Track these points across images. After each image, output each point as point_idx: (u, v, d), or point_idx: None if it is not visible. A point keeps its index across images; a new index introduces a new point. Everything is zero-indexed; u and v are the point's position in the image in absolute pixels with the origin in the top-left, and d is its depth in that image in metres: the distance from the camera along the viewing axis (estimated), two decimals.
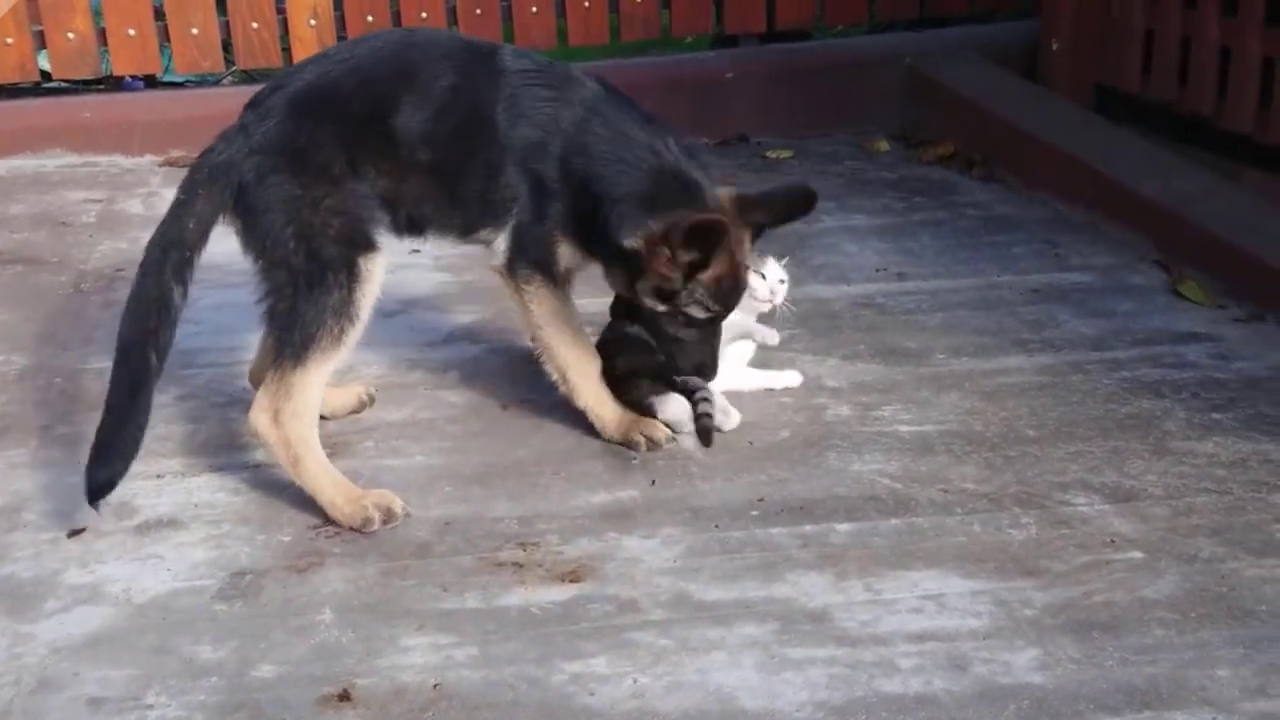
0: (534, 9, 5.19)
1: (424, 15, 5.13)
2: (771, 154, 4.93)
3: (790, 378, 3.08)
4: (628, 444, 2.81)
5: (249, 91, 5.52)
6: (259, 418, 2.55)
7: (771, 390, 3.07)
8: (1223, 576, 2.36)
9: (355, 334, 2.55)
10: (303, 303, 2.49)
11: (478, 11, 5.16)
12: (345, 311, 2.50)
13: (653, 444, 2.80)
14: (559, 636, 2.23)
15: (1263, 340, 3.31)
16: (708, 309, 2.67)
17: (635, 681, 2.11)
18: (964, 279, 3.73)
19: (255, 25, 5.05)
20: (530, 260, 2.72)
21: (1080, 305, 3.54)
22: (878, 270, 3.81)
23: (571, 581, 2.37)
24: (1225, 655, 2.15)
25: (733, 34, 5.46)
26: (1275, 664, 2.13)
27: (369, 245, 2.56)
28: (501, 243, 2.73)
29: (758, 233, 2.78)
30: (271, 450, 2.57)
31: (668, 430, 2.82)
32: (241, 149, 2.59)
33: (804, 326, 3.39)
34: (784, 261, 3.00)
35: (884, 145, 5.02)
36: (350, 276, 2.50)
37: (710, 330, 2.72)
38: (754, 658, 2.17)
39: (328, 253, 2.50)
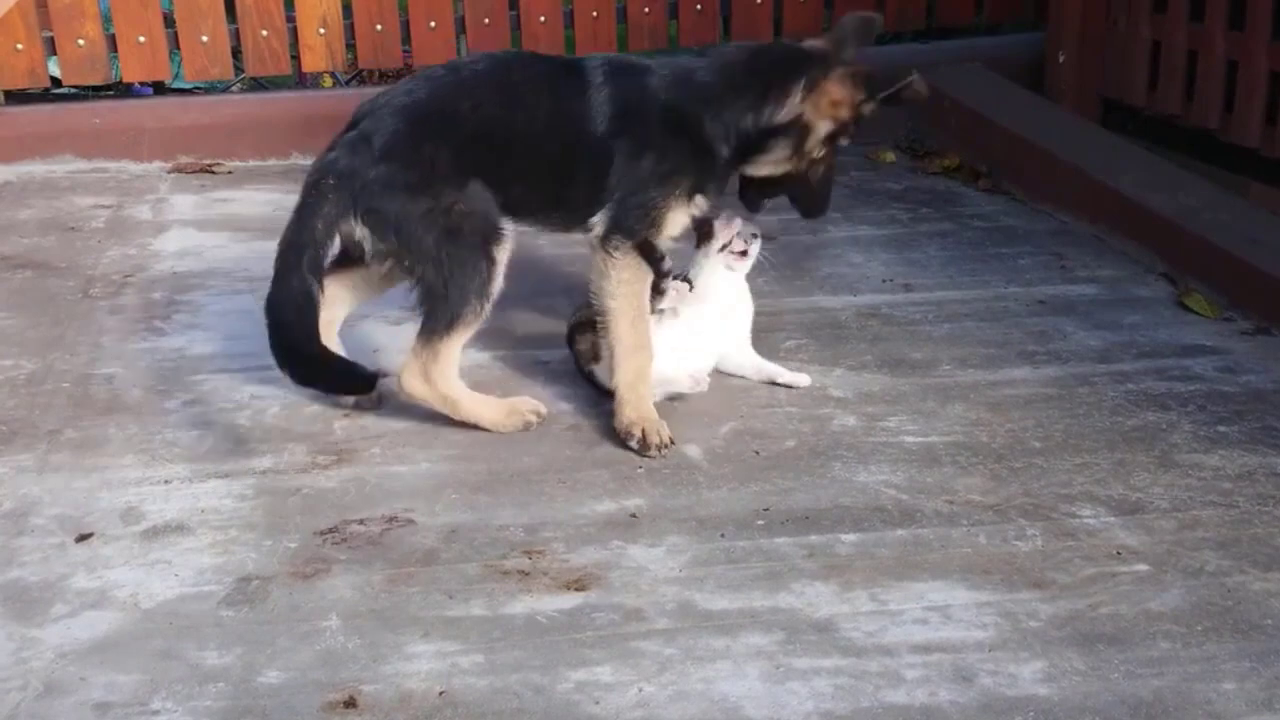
0: (542, 18, 5.21)
1: (432, 24, 5.16)
2: None
3: (800, 378, 3.12)
4: (628, 435, 2.86)
5: (258, 99, 5.53)
6: (412, 381, 2.91)
7: (775, 383, 3.12)
8: (1229, 590, 2.36)
9: (490, 306, 2.91)
10: (452, 289, 2.84)
11: (486, 21, 5.18)
12: (485, 291, 2.87)
13: (645, 445, 2.84)
14: (564, 644, 2.23)
15: (1269, 353, 3.31)
16: (852, 134, 3.03)
17: (640, 690, 2.12)
18: (970, 290, 3.74)
19: (265, 33, 5.07)
20: (625, 229, 2.90)
21: (1086, 317, 3.54)
22: (884, 281, 3.82)
23: (577, 590, 2.38)
24: (1231, 669, 2.15)
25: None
26: None
27: (498, 235, 2.88)
28: (600, 221, 2.93)
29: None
30: (430, 403, 2.93)
31: (668, 439, 2.85)
32: (366, 158, 2.84)
33: (810, 337, 3.40)
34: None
35: (890, 156, 5.02)
36: (488, 263, 2.86)
37: (832, 165, 3.06)
38: (759, 667, 2.17)
39: (467, 247, 2.85)
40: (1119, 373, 3.21)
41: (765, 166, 2.99)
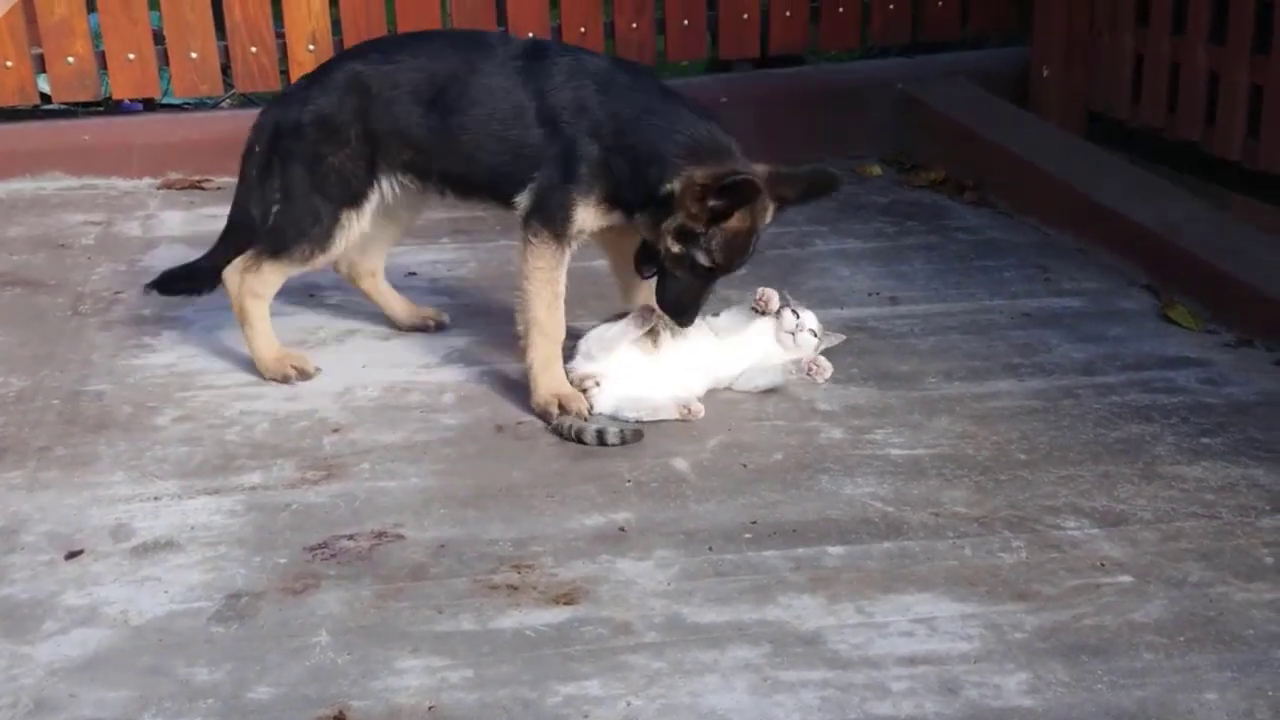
0: (530, 34, 5.23)
1: None
2: None
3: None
4: (546, 413, 3.00)
5: (247, 115, 5.57)
6: (231, 274, 3.24)
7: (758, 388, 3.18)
8: (1211, 601, 2.38)
9: (324, 258, 3.22)
10: (290, 226, 3.18)
11: None
12: (321, 242, 3.17)
13: (566, 412, 2.97)
14: (553, 659, 2.24)
15: (1251, 365, 3.34)
16: (714, 260, 2.93)
17: (629, 704, 2.13)
18: (955, 303, 3.76)
19: (254, 50, 5.08)
20: (544, 217, 3.02)
21: (1071, 330, 3.57)
22: (870, 294, 3.84)
23: (566, 604, 2.39)
24: (1213, 679, 2.17)
25: (727, 59, 5.50)
26: (1263, 688, 2.15)
27: (355, 199, 3.16)
28: (524, 200, 3.06)
29: (780, 207, 3.02)
30: (231, 303, 3.26)
31: (588, 407, 3.00)
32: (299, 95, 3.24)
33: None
34: (819, 328, 3.20)
35: (876, 170, 5.05)
36: (331, 219, 3.16)
37: (707, 282, 3.00)
38: (746, 680, 2.18)
39: (320, 197, 3.16)
40: (1103, 385, 3.23)
41: (642, 220, 3.00)
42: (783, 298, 3.19)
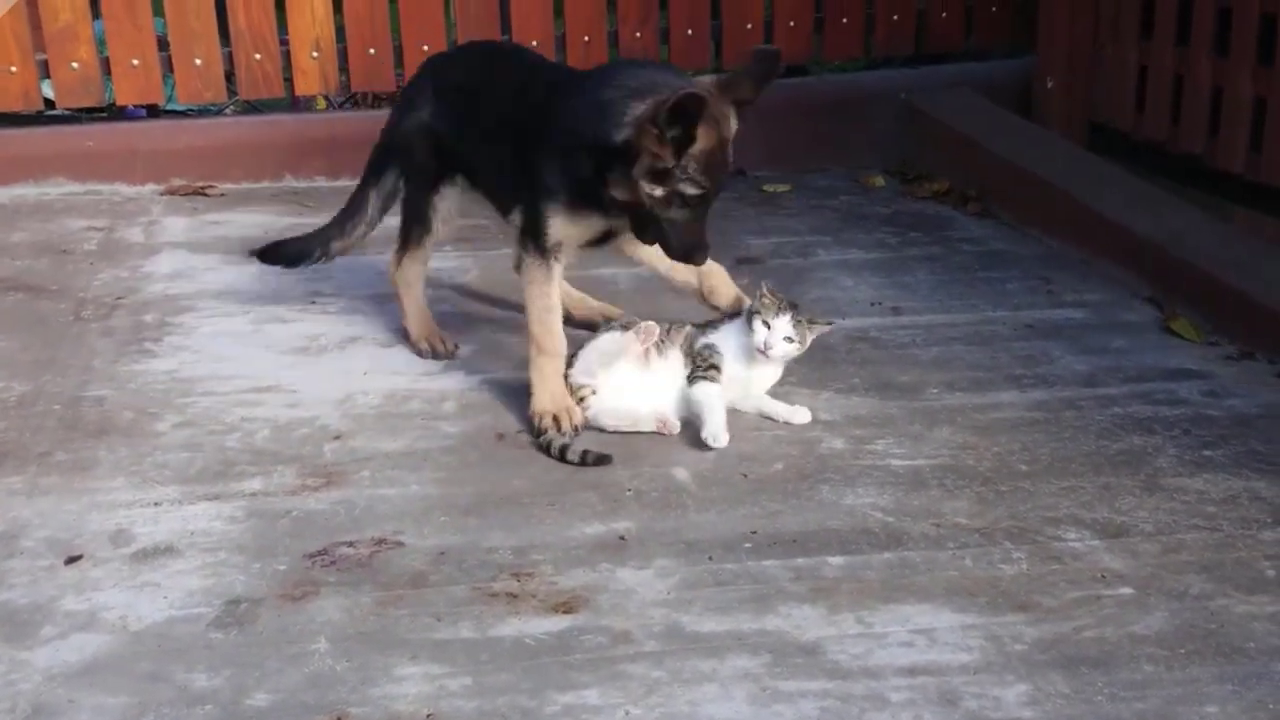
0: (534, 42, 5.23)
1: (425, 48, 5.17)
2: (769, 188, 4.97)
3: (801, 414, 3.09)
4: (540, 429, 2.98)
5: (251, 121, 5.56)
6: (391, 263, 3.52)
7: (773, 419, 3.09)
8: (1212, 613, 2.38)
9: (429, 239, 3.44)
10: (407, 216, 3.49)
11: None
12: (423, 225, 3.44)
13: (558, 428, 2.97)
14: (552, 667, 2.24)
15: (1253, 378, 3.34)
16: (699, 184, 2.84)
17: (627, 713, 2.12)
18: (958, 314, 3.76)
19: (258, 56, 5.09)
20: (529, 236, 3.09)
21: (1073, 341, 3.57)
22: (872, 304, 3.84)
23: (565, 612, 2.39)
24: (1214, 692, 2.17)
25: (731, 69, 5.51)
26: (1264, 701, 2.14)
27: (435, 187, 3.39)
28: (516, 219, 3.16)
29: (741, 110, 2.91)
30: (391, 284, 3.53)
31: (580, 422, 3.00)
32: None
33: (798, 360, 3.41)
34: (801, 321, 3.05)
35: (880, 180, 5.05)
36: (426, 206, 3.41)
37: (701, 211, 2.90)
38: (746, 690, 2.18)
39: (415, 189, 3.44)
40: (1105, 397, 3.23)
41: (614, 189, 2.90)
42: (754, 306, 3.04)
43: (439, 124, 3.34)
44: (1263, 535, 2.63)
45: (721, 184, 2.89)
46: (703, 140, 2.80)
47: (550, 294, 3.08)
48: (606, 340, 3.09)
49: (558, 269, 3.09)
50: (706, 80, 2.94)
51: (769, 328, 3.00)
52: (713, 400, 2.99)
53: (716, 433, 2.94)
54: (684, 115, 2.74)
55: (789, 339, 3.02)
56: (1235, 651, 2.27)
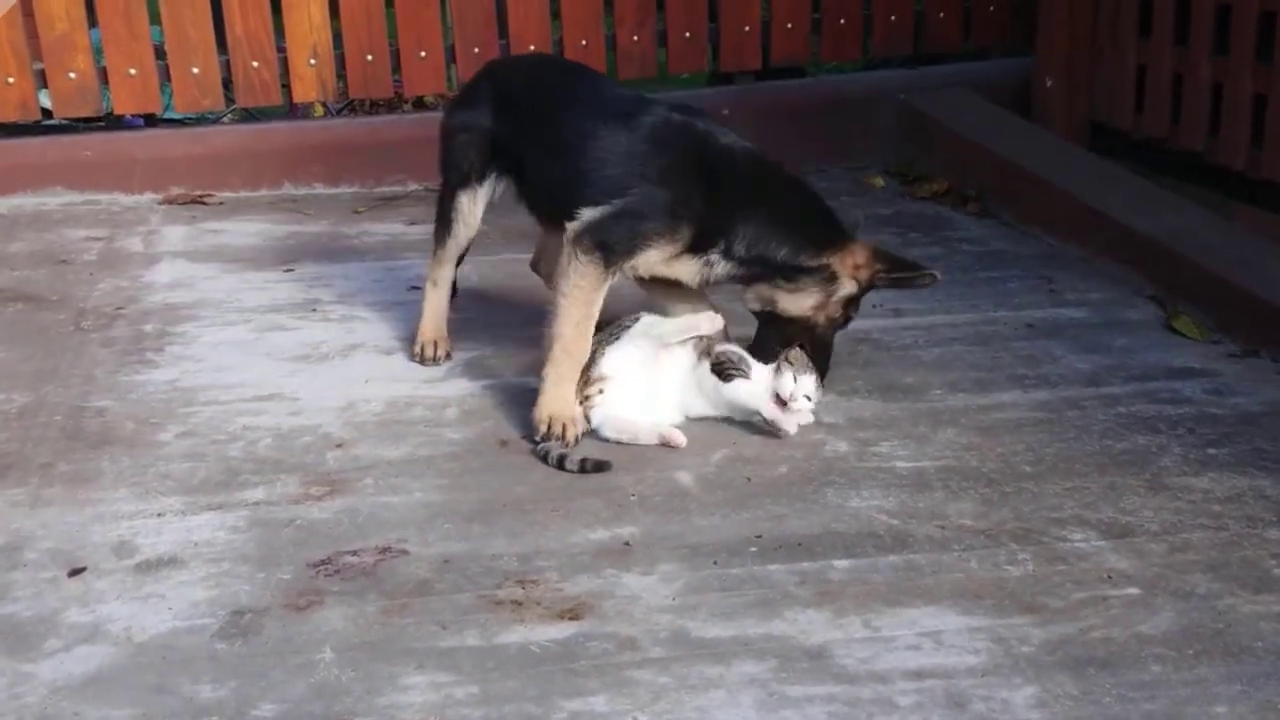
0: (531, 46, 5.24)
1: (423, 54, 5.18)
2: None
3: (791, 425, 3.05)
4: (539, 431, 2.96)
5: (249, 129, 5.56)
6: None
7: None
8: (1219, 613, 2.37)
9: (460, 239, 3.44)
10: (438, 216, 3.53)
11: (476, 50, 5.20)
12: (451, 225, 3.45)
13: (556, 437, 2.94)
14: (558, 675, 2.23)
15: (1257, 375, 3.33)
16: (836, 323, 3.16)
17: None
18: (960, 315, 3.76)
19: (255, 64, 5.09)
20: (605, 240, 3.00)
21: (1076, 341, 3.56)
22: (874, 306, 3.82)
23: (571, 619, 2.38)
24: (1222, 692, 2.16)
25: (728, 71, 5.51)
26: (1272, 701, 2.13)
27: (469, 186, 3.40)
28: (590, 215, 3.03)
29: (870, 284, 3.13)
30: None
31: (578, 436, 2.96)
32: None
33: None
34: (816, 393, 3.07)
35: (880, 181, 5.05)
36: (453, 206, 3.42)
37: (814, 342, 3.13)
38: (753, 695, 2.17)
39: (447, 188, 3.47)
40: (1108, 396, 3.22)
41: (755, 289, 3.11)
42: (787, 357, 3.05)
43: (498, 126, 3.33)
44: (1269, 534, 2.62)
45: (842, 325, 3.22)
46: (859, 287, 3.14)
47: (597, 300, 3.02)
48: (646, 322, 3.10)
49: (609, 282, 3.04)
50: (863, 243, 3.15)
51: (796, 381, 3.01)
52: (751, 388, 3.02)
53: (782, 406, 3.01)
54: (908, 278, 3.15)
55: (808, 397, 3.03)
56: (1243, 651, 2.26)
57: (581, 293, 3.00)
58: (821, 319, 3.12)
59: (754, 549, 2.59)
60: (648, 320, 3.11)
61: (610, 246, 3.00)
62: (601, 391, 3.00)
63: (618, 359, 3.03)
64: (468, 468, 2.93)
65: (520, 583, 2.49)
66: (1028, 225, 4.46)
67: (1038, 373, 3.36)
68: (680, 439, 3.00)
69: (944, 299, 3.87)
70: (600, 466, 2.88)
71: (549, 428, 2.96)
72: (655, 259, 3.04)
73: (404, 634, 2.35)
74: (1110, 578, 2.48)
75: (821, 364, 3.11)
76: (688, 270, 3.09)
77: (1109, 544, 2.59)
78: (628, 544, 2.62)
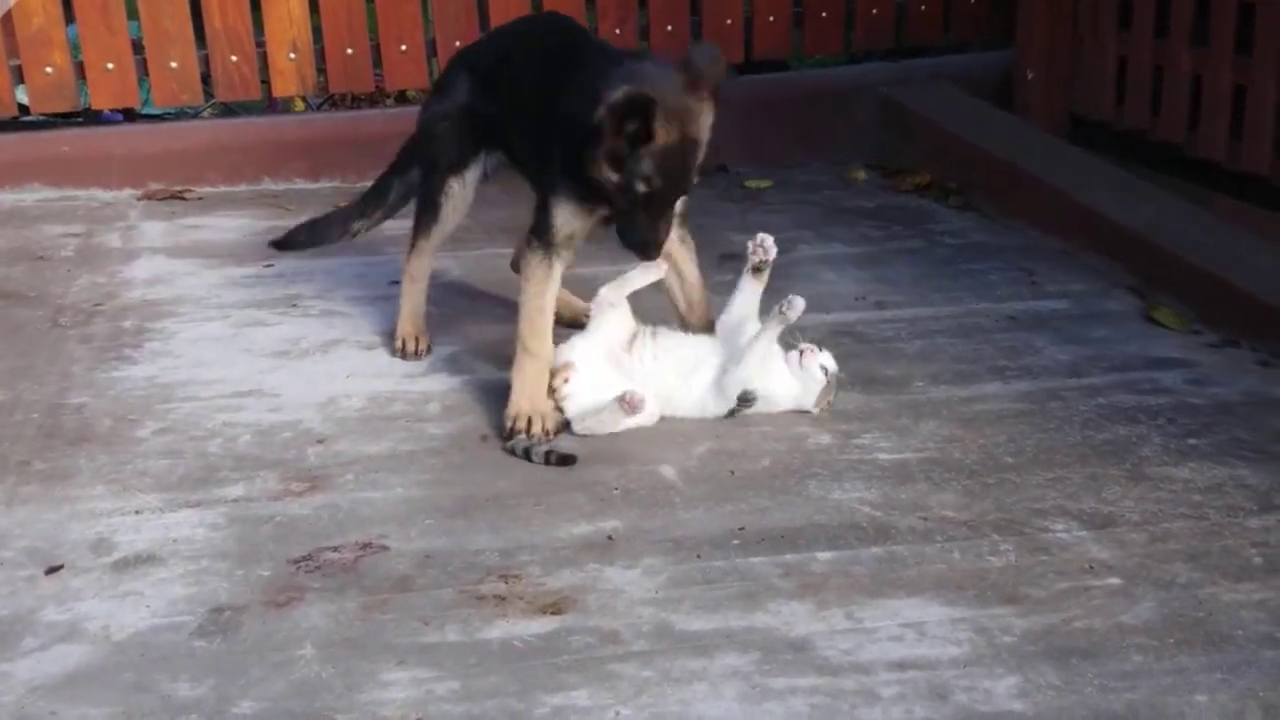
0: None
1: (403, 48, 5.15)
2: (751, 184, 4.96)
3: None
4: (511, 431, 2.95)
5: (228, 124, 5.52)
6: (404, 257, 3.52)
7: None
8: (1200, 602, 2.37)
9: (445, 224, 3.38)
10: (421, 201, 3.49)
11: (457, 43, 5.13)
12: (436, 211, 3.39)
13: (525, 432, 2.94)
14: (541, 669, 2.22)
15: (1236, 365, 3.34)
16: (649, 181, 2.82)
17: (617, 714, 2.11)
18: (941, 307, 3.76)
19: (234, 59, 5.05)
20: (533, 231, 3.04)
21: (1057, 332, 3.57)
22: (856, 299, 3.83)
23: (553, 613, 2.37)
24: (1203, 681, 2.16)
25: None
26: (1253, 689, 2.14)
27: (456, 168, 3.35)
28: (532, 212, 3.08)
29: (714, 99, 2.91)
30: None
31: (552, 429, 2.97)
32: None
33: None
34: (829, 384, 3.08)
35: (861, 174, 5.05)
36: (440, 189, 3.36)
37: (658, 207, 2.88)
38: (736, 688, 2.17)
39: (434, 171, 3.39)
40: (1089, 387, 3.23)
41: (593, 169, 2.86)
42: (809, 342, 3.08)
43: (476, 102, 3.30)
44: (1249, 523, 2.63)
45: (680, 183, 2.87)
46: (661, 138, 2.78)
47: (546, 294, 3.02)
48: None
49: (559, 269, 3.03)
50: (678, 78, 2.85)
51: (818, 349, 3.06)
52: (789, 391, 3.07)
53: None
54: (636, 111, 2.74)
55: (824, 368, 3.05)
56: (1224, 640, 2.27)
57: (532, 285, 3.02)
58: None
59: (737, 541, 2.59)
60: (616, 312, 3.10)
61: (544, 231, 3.00)
62: (566, 381, 2.99)
63: (583, 346, 3.04)
64: (449, 463, 2.92)
65: (502, 577, 2.48)
66: (1009, 218, 4.46)
67: (1019, 364, 3.37)
68: (640, 399, 2.95)
69: (926, 291, 3.87)
70: (565, 460, 2.87)
71: (514, 424, 2.96)
72: (578, 227, 3.01)
73: (385, 630, 2.33)
74: (1092, 568, 2.48)
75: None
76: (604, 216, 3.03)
77: (1090, 534, 2.59)
78: (610, 538, 2.61)
